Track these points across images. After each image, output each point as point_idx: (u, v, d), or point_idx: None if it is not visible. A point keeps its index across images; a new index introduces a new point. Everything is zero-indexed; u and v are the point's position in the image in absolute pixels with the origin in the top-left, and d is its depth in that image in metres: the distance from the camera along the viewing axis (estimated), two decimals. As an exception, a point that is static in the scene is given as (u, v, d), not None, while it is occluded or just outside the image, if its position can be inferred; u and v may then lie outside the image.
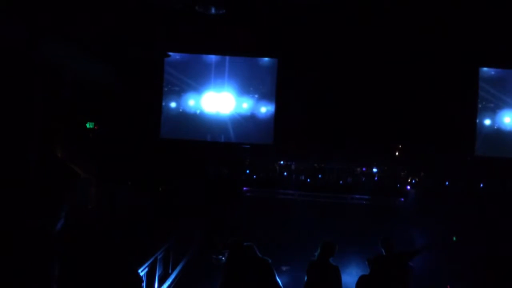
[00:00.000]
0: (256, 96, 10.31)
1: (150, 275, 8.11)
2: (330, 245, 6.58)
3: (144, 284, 7.38)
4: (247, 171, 12.10)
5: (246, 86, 10.30)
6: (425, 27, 8.91)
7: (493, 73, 10.05)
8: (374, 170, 12.33)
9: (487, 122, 9.98)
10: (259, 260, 6.10)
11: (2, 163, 6.88)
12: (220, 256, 7.86)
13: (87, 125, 10.19)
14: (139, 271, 7.42)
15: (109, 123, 10.41)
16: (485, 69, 10.00)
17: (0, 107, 7.19)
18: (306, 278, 6.56)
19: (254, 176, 12.14)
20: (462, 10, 8.31)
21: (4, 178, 6.57)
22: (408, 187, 12.19)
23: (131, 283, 5.38)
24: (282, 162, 12.61)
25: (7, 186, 6.45)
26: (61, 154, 8.91)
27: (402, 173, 12.49)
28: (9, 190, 6.34)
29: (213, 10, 7.78)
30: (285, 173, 12.44)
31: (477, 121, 9.94)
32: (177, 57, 10.30)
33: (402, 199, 12.02)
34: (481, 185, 11.36)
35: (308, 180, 12.33)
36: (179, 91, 10.32)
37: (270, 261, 6.17)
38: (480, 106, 9.97)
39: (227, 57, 10.26)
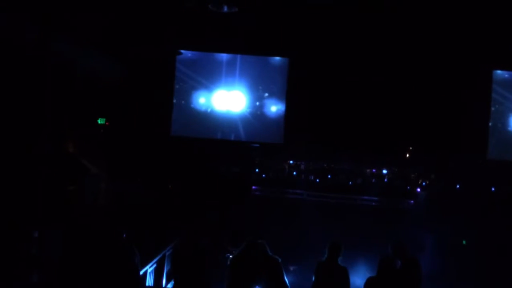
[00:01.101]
0: (267, 95, 10.31)
1: (158, 271, 8.15)
2: (337, 246, 6.55)
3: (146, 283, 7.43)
4: (257, 170, 12.09)
5: (257, 85, 10.30)
6: (438, 28, 8.83)
7: (506, 76, 9.95)
8: (384, 171, 12.26)
9: (500, 125, 9.88)
10: (269, 258, 6.08)
11: (12, 158, 6.95)
12: (228, 254, 7.86)
13: (98, 121, 10.25)
14: (147, 267, 7.46)
15: (120, 119, 10.46)
16: (499, 71, 9.90)
17: (11, 103, 7.26)
18: (314, 278, 6.53)
19: (264, 175, 12.12)
20: (476, 12, 8.22)
21: (14, 172, 6.64)
22: (418, 190, 12.10)
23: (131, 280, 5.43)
24: (291, 162, 12.58)
25: (16, 180, 6.51)
26: (72, 150, 8.97)
27: (413, 175, 12.40)
28: (18, 184, 6.40)
29: (225, 9, 7.78)
30: (295, 173, 12.41)
31: (490, 124, 9.84)
32: (189, 55, 10.32)
33: (412, 201, 11.93)
34: (493, 188, 11.24)
35: (317, 180, 12.29)
36: (190, 89, 10.35)
37: (279, 260, 6.15)
38: (493, 109, 9.87)
39: (239, 56, 10.26)
